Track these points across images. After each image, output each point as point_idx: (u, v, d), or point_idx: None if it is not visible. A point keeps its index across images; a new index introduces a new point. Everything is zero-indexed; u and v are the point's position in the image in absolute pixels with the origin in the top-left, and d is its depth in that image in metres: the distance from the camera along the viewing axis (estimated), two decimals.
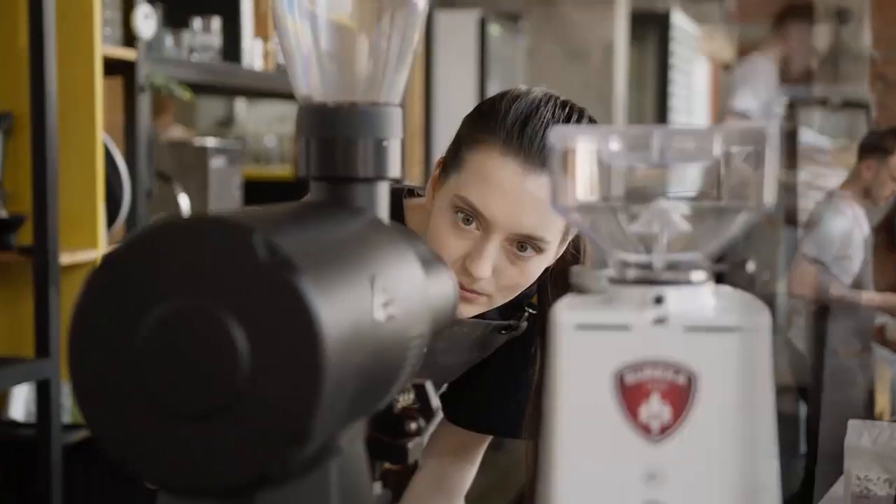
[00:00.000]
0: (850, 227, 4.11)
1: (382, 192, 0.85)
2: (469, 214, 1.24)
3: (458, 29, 4.80)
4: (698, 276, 0.72)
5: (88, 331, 0.66)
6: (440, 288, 0.88)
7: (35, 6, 2.41)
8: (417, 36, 0.87)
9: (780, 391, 4.19)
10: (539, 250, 1.25)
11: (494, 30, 5.06)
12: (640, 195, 0.76)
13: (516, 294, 1.30)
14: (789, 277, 4.19)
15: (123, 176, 2.67)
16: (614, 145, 0.73)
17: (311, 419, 0.61)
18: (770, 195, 0.72)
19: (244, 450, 0.61)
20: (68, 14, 2.54)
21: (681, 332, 0.68)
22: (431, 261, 0.89)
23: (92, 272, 0.66)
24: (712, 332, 0.68)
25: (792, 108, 5.02)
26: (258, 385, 0.61)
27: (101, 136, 2.59)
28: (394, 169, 0.85)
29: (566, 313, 0.70)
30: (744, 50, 9.99)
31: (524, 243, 1.24)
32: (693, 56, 8.48)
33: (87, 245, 2.59)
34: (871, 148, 4.14)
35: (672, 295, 0.71)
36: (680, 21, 7.68)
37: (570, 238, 1.32)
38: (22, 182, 2.51)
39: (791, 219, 4.67)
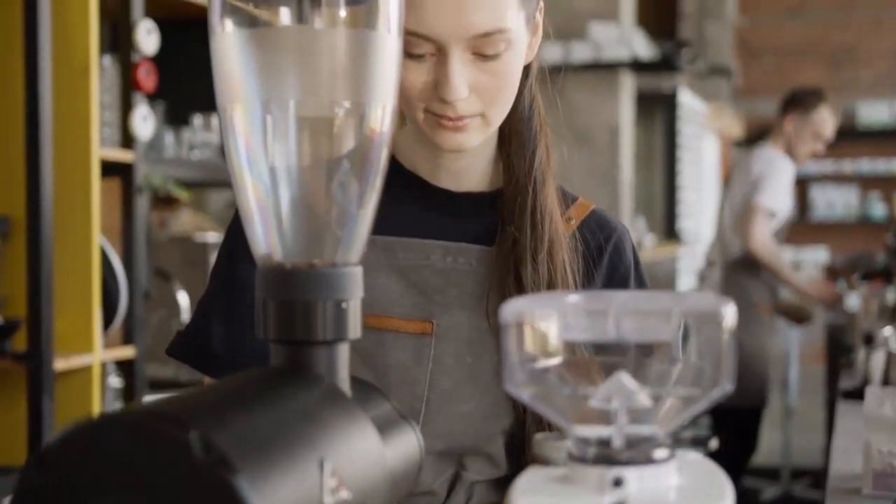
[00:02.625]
0: (789, 181, 4.27)
1: (342, 353, 0.83)
2: (416, 44, 1.12)
3: None
4: (660, 453, 0.70)
5: None
6: (402, 451, 0.85)
7: (32, 108, 2.43)
8: (376, 197, 0.85)
9: None
10: (506, 44, 1.13)
11: None
12: (599, 368, 0.74)
13: (511, 99, 1.18)
14: (746, 231, 4.20)
15: (120, 278, 2.66)
16: (570, 320, 0.72)
17: None
18: (729, 373, 0.70)
19: None
20: (66, 116, 2.56)
21: None
22: (393, 421, 0.86)
23: (26, 468, 0.64)
24: None
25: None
26: None
27: (97, 239, 2.58)
28: (354, 330, 0.83)
29: (523, 498, 0.68)
30: (751, 126, 10.05)
31: (486, 45, 1.12)
32: (701, 133, 8.52)
33: (83, 350, 2.58)
34: (794, 104, 4.31)
35: (632, 476, 0.69)
36: (687, 99, 7.72)
37: (539, 17, 1.22)
38: (18, 286, 2.51)
39: None
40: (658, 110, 7.47)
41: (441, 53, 1.12)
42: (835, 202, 10.20)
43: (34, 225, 2.45)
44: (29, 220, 2.45)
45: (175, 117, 3.10)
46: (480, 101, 1.15)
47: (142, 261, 2.80)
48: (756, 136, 10.18)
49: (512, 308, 0.72)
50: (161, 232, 3.71)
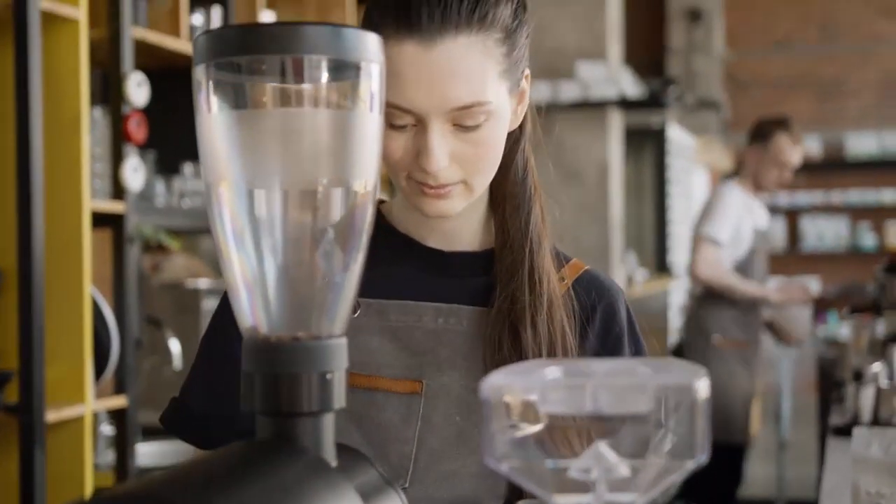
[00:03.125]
0: (741, 213, 4.29)
1: (328, 424, 0.85)
2: (397, 116, 1.13)
3: None
4: None
5: None
6: None
7: (24, 161, 2.45)
8: (359, 269, 0.87)
9: None
10: (486, 115, 1.14)
11: None
12: (576, 439, 0.75)
13: (494, 167, 1.19)
14: (692, 259, 4.27)
15: (112, 328, 2.68)
16: (549, 394, 0.73)
17: None
18: (703, 444, 0.71)
19: None
20: (57, 168, 2.58)
21: None
22: (379, 488, 0.88)
23: None
24: None
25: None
26: None
27: (88, 290, 2.60)
28: (339, 400, 0.85)
29: None
30: (740, 158, 10.12)
31: (465, 117, 1.13)
32: (691, 166, 8.57)
33: (75, 401, 2.58)
34: (754, 135, 4.40)
35: None
36: (675, 134, 7.77)
37: (525, 83, 1.22)
38: (10, 338, 2.52)
39: None
40: (647, 145, 7.51)
41: (421, 125, 1.13)
42: (825, 233, 10.24)
43: (26, 277, 2.46)
44: (21, 272, 2.47)
45: (166, 166, 3.13)
46: (462, 169, 1.16)
47: (133, 310, 2.81)
48: None
49: (492, 383, 0.73)
50: (154, 276, 3.72)
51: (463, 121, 1.13)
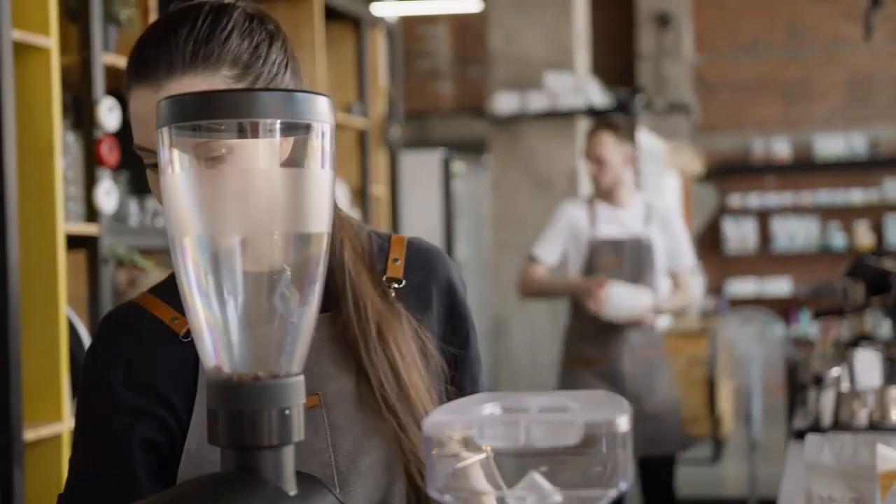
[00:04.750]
0: (567, 226, 4.11)
1: (288, 456, 0.92)
2: (149, 156, 1.23)
3: (423, 167, 4.92)
4: None
5: None
6: None
7: None
8: (314, 312, 0.94)
9: None
10: (228, 149, 1.12)
11: (458, 166, 5.19)
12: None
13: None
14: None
15: (87, 347, 2.73)
16: (485, 430, 0.80)
17: None
18: (624, 474, 0.79)
19: None
20: (31, 193, 2.63)
21: None
22: None
23: None
24: None
25: None
26: None
27: (64, 311, 2.65)
28: (298, 433, 0.92)
29: None
30: (711, 161, 10.24)
31: (207, 151, 1.08)
32: (662, 171, 8.66)
33: (52, 419, 2.64)
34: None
35: None
36: (646, 139, 7.86)
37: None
38: None
39: None
40: None
41: None
42: (795, 233, 10.37)
43: (2, 298, 2.52)
44: None
45: (138, 186, 3.18)
46: None
47: None
48: (716, 170, 10.37)
49: (433, 420, 0.80)
50: (130, 292, 3.77)
51: (207, 155, 1.08)
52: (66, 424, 2.66)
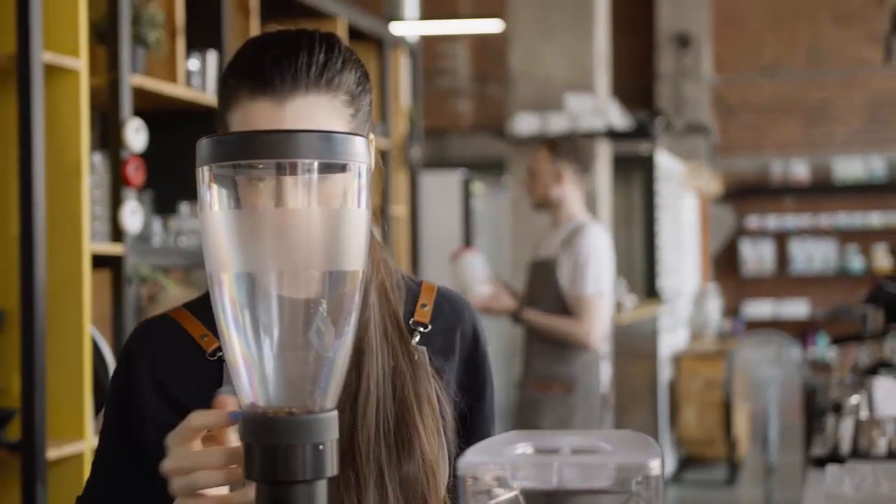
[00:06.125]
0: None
1: (321, 490, 0.93)
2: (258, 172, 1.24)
3: (442, 187, 4.93)
4: None
5: None
6: None
7: (26, 205, 2.53)
8: (348, 348, 0.96)
9: None
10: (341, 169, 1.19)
11: (478, 187, 5.20)
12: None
13: None
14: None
15: (110, 366, 2.75)
16: (518, 471, 0.82)
17: None
18: None
19: None
20: (58, 213, 2.66)
21: None
22: None
23: None
24: None
25: None
26: None
27: (88, 330, 2.68)
28: (331, 468, 0.93)
29: None
30: (729, 182, 10.24)
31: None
32: (680, 191, 8.66)
33: (75, 437, 2.66)
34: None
35: None
36: (664, 160, 7.86)
37: (369, 139, 1.25)
38: (12, 377, 2.60)
39: None
40: (636, 172, 7.60)
41: None
42: (813, 256, 10.34)
43: (28, 317, 2.54)
44: (23, 313, 2.55)
45: (162, 206, 3.21)
46: None
47: None
48: (734, 192, 10.36)
49: (468, 461, 0.82)
50: (150, 307, 3.80)
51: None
52: (88, 443, 2.68)
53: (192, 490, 1.02)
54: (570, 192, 4.09)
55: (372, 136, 1.30)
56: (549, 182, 4.07)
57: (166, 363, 1.29)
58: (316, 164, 0.91)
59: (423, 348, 1.31)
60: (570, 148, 4.15)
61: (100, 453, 1.31)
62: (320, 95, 1.21)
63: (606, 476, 0.80)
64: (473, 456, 0.82)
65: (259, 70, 1.20)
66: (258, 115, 1.20)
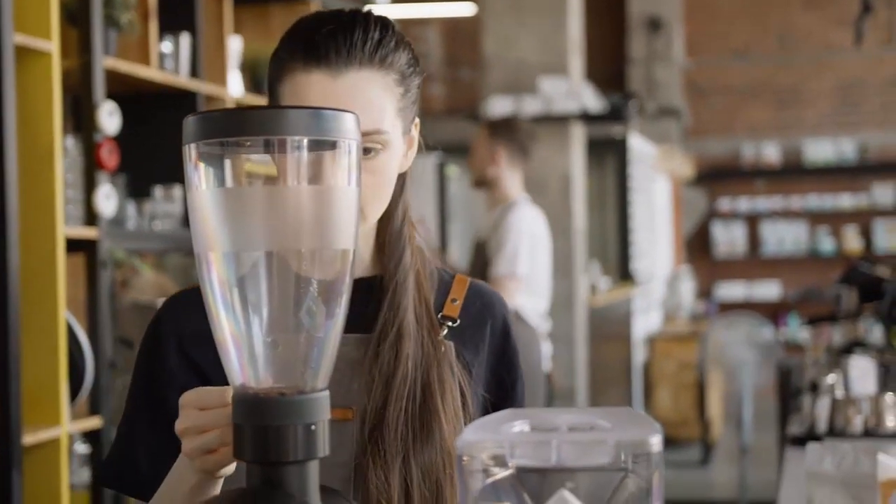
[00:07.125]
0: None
1: (313, 470, 0.92)
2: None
3: (417, 171, 4.89)
4: None
5: None
6: None
7: None
8: (339, 328, 0.94)
9: None
10: (382, 145, 1.23)
11: (452, 171, 5.19)
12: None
13: (386, 198, 1.27)
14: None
15: (86, 350, 2.73)
16: (517, 449, 0.81)
17: None
18: (661, 493, 0.79)
19: None
20: (30, 196, 2.63)
21: None
22: None
23: None
24: None
25: None
26: None
27: (63, 315, 2.65)
28: (322, 448, 0.92)
29: None
30: (701, 165, 10.27)
31: (366, 142, 1.21)
32: (652, 174, 8.68)
33: (51, 423, 2.64)
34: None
35: None
36: (637, 143, 7.88)
37: (415, 131, 1.31)
38: None
39: None
40: (609, 155, 7.62)
41: None
42: (784, 238, 10.40)
43: (2, 302, 2.51)
44: None
45: (137, 190, 3.18)
46: None
47: (107, 333, 2.86)
48: (706, 175, 10.40)
49: (466, 439, 0.81)
50: (123, 293, 3.77)
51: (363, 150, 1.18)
52: (64, 428, 2.66)
53: (204, 450, 1.01)
54: (505, 173, 4.13)
55: (417, 120, 1.31)
56: (485, 162, 4.14)
57: (193, 336, 1.28)
58: (305, 140, 0.89)
59: (451, 343, 1.31)
60: (506, 129, 4.20)
61: (126, 420, 1.32)
62: (373, 72, 1.23)
63: (605, 453, 0.79)
64: (471, 434, 0.82)
65: (314, 43, 1.22)
66: (312, 86, 1.21)
